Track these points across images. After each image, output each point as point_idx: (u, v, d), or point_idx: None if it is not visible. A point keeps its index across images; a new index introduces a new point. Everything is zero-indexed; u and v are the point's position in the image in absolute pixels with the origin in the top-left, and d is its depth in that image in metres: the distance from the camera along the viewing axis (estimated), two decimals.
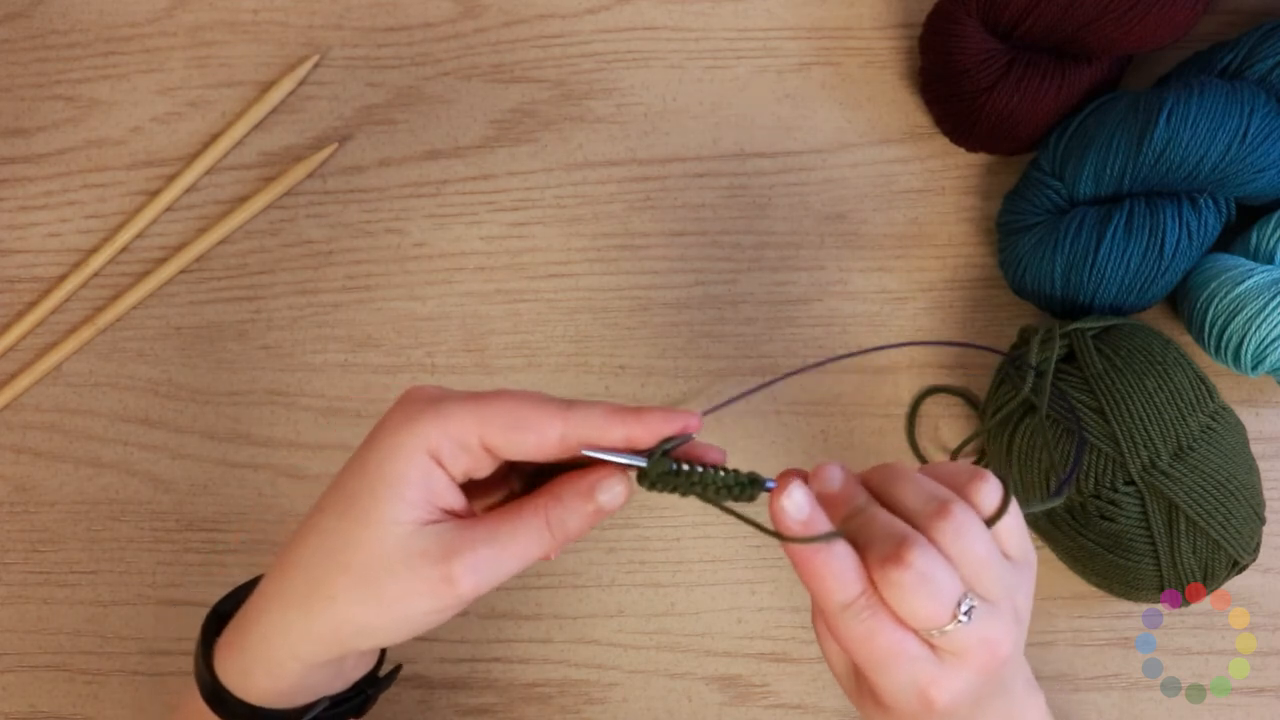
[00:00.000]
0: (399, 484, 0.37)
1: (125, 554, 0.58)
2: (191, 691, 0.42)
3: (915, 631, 0.37)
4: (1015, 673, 0.42)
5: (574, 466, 0.39)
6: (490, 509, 0.40)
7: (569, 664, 0.57)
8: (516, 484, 0.42)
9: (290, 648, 0.39)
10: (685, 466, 0.37)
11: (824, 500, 0.38)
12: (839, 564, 0.37)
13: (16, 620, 0.58)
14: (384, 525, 0.37)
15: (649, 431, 0.37)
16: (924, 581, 0.36)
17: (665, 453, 0.37)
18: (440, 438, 0.37)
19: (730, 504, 0.38)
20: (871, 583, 0.37)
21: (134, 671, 0.58)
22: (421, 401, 0.38)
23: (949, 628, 0.37)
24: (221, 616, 0.42)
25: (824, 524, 0.37)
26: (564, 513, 0.38)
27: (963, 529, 0.37)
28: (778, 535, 0.37)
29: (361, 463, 0.38)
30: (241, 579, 0.57)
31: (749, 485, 0.38)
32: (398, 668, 0.46)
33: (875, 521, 0.38)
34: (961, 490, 0.38)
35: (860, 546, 0.37)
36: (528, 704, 0.57)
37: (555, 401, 0.38)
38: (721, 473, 0.38)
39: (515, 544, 0.37)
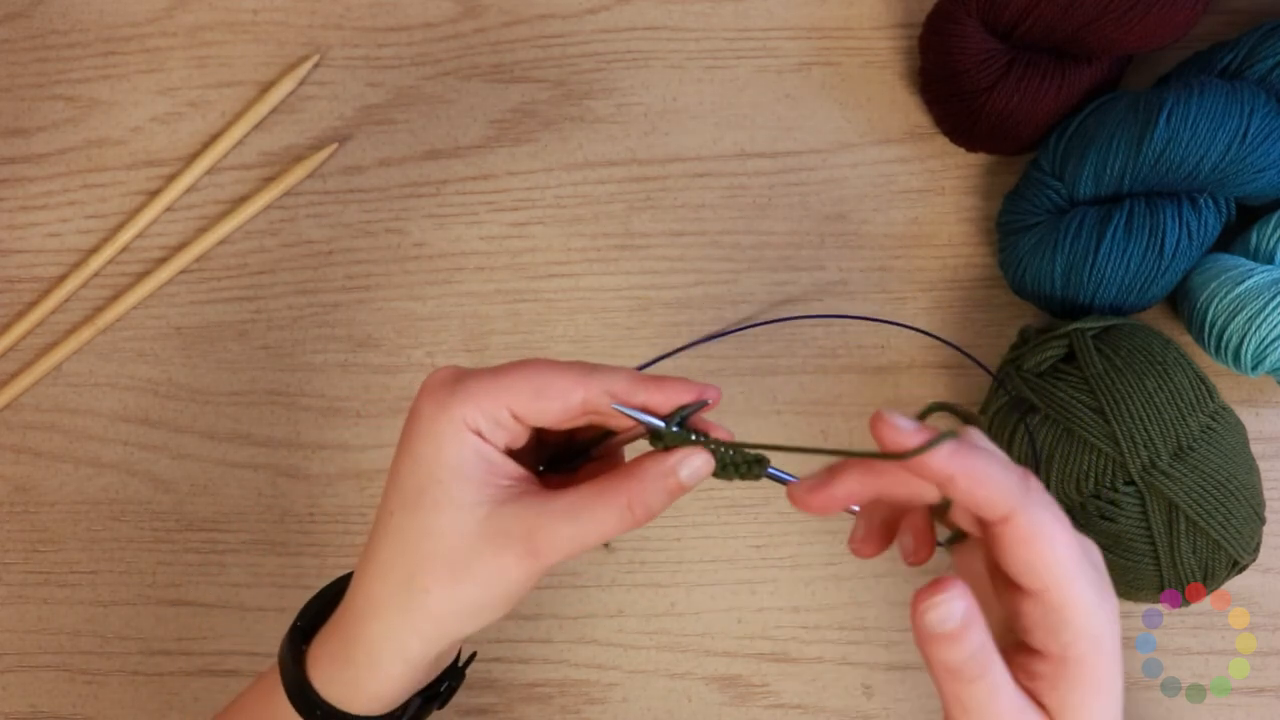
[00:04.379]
0: (461, 467, 0.37)
1: (125, 554, 0.58)
2: (266, 703, 0.42)
3: None
4: None
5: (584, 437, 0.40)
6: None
7: (569, 664, 0.57)
8: (541, 458, 0.42)
9: (398, 651, 0.39)
10: (702, 437, 0.38)
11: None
12: (988, 460, 0.35)
13: (16, 620, 0.58)
14: (460, 510, 0.37)
15: (668, 399, 0.38)
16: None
17: (683, 420, 0.38)
18: (476, 415, 0.37)
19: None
20: None
21: (134, 671, 0.58)
22: (448, 385, 0.38)
23: None
24: (302, 631, 0.42)
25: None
26: (645, 493, 0.38)
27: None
28: None
29: (413, 457, 0.38)
30: (242, 579, 0.58)
31: (754, 464, 0.38)
32: (473, 655, 0.46)
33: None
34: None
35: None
36: (528, 704, 0.57)
37: (577, 367, 0.38)
38: (730, 450, 0.38)
39: (596, 522, 0.37)
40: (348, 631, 0.40)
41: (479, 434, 0.38)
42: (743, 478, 0.39)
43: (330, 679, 0.40)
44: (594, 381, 0.38)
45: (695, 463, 0.38)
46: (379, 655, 0.39)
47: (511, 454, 0.39)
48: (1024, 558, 0.34)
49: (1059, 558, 0.34)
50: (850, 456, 0.37)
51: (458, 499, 0.37)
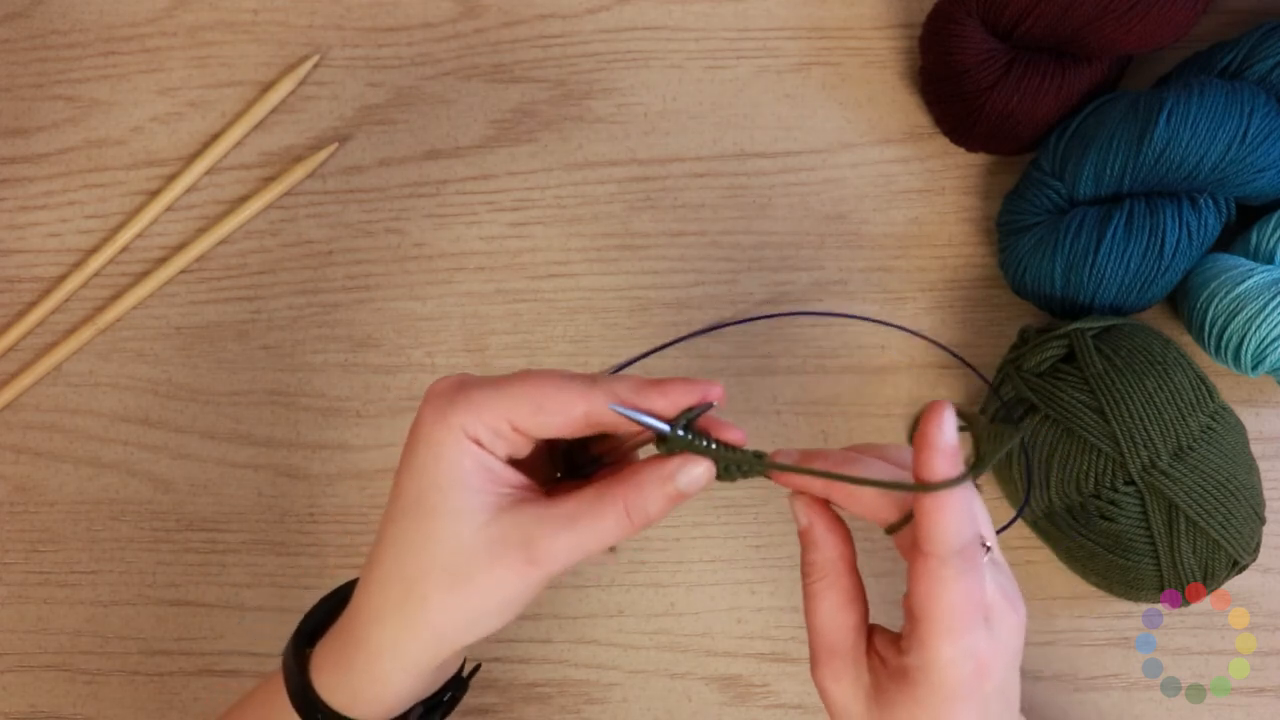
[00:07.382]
0: (459, 474, 0.37)
1: (125, 554, 0.58)
2: (269, 706, 0.42)
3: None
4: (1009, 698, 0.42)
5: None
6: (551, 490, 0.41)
7: (569, 664, 0.57)
8: (557, 465, 0.42)
9: (398, 660, 0.39)
10: (707, 441, 0.38)
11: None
12: (966, 504, 0.37)
13: (16, 620, 0.58)
14: (458, 517, 0.37)
15: (671, 403, 0.38)
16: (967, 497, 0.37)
17: (689, 423, 0.38)
18: (476, 425, 0.37)
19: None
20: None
21: (134, 671, 0.58)
22: (448, 394, 0.38)
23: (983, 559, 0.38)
24: (306, 635, 0.42)
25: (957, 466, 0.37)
26: (643, 499, 0.38)
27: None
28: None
29: (413, 465, 0.38)
30: (242, 579, 0.58)
31: (755, 461, 0.39)
32: (478, 666, 0.46)
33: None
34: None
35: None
36: (528, 704, 0.57)
37: (578, 380, 0.38)
38: (736, 451, 0.39)
39: (594, 530, 0.38)
40: (349, 637, 0.40)
41: (478, 443, 0.37)
42: (746, 476, 0.39)
43: (332, 684, 0.40)
44: (597, 395, 0.37)
45: (695, 471, 0.38)
46: (379, 662, 0.39)
47: (520, 463, 0.39)
48: (919, 589, 0.37)
49: (943, 610, 0.37)
50: (871, 485, 0.38)
51: (456, 506, 0.37)
